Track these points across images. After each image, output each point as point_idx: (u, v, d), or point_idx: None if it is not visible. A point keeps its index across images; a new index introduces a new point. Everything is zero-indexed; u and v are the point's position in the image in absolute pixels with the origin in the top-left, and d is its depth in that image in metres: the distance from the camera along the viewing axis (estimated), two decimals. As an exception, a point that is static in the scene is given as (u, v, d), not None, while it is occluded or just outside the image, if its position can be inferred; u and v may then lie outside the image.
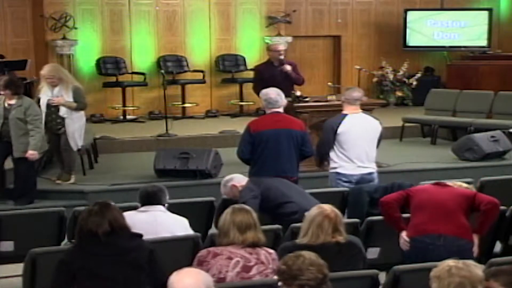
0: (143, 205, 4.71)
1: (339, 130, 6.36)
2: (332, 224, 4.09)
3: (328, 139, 6.46)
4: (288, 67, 8.52)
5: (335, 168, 6.45)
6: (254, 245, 3.95)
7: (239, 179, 5.69)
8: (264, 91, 6.52)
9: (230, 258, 3.87)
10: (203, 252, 3.95)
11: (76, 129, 7.81)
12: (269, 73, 8.51)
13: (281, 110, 6.41)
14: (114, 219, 3.71)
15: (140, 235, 3.79)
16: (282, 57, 8.62)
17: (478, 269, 3.15)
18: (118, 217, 3.76)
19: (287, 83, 8.37)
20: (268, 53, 8.94)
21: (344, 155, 6.39)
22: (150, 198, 4.70)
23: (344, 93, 6.67)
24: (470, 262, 3.21)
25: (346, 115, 6.44)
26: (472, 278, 3.09)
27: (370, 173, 6.47)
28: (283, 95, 6.47)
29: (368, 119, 6.58)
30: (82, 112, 7.91)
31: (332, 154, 6.46)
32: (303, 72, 9.25)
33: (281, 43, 8.79)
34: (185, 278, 2.96)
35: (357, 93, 6.54)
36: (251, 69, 12.69)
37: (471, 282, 3.08)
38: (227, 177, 5.76)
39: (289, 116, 6.65)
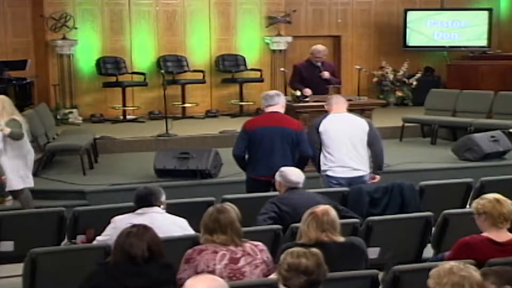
0: (139, 207, 4.67)
1: (320, 128, 6.42)
2: (316, 222, 4.06)
3: (313, 139, 6.48)
4: (326, 74, 8.69)
5: (325, 170, 6.46)
6: (232, 243, 3.94)
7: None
8: (265, 92, 6.64)
9: (216, 252, 3.89)
10: (189, 251, 3.96)
11: (10, 167, 6.81)
12: (308, 73, 8.72)
13: (279, 109, 6.45)
14: (153, 243, 3.63)
15: (171, 265, 3.71)
16: (319, 63, 8.73)
17: (477, 273, 3.16)
18: (157, 241, 3.68)
19: (324, 85, 8.65)
20: (309, 54, 8.96)
21: (330, 157, 6.42)
22: (146, 200, 4.67)
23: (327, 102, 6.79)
24: (471, 266, 3.22)
25: (328, 114, 6.54)
26: (471, 279, 3.10)
27: (360, 177, 6.40)
28: (282, 97, 6.54)
29: (353, 118, 6.58)
30: (25, 150, 6.91)
31: (321, 156, 6.47)
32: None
33: (323, 46, 8.84)
34: (198, 284, 2.91)
35: (341, 98, 6.75)
36: (251, 69, 12.74)
37: (470, 283, 3.09)
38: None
39: (287, 116, 6.67)
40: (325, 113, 6.68)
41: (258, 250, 4.00)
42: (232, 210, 4.06)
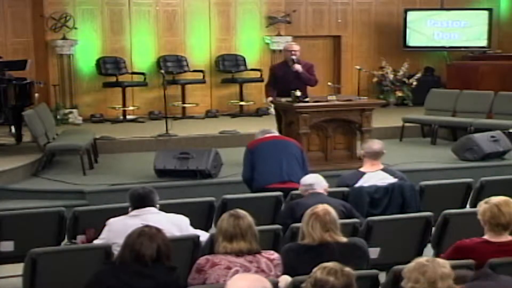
0: (134, 208, 4.64)
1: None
2: (320, 222, 4.03)
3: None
4: (298, 67, 8.60)
5: None
6: (250, 252, 3.87)
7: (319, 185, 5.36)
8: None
9: (229, 268, 3.80)
10: (201, 260, 3.89)
11: None
12: (282, 72, 8.71)
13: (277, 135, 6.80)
14: (163, 245, 3.64)
15: (175, 268, 3.71)
16: (294, 57, 8.68)
17: (441, 267, 3.21)
18: (167, 244, 3.69)
19: (298, 83, 8.53)
20: (283, 53, 9.00)
21: None
22: (141, 201, 4.64)
23: (363, 146, 6.27)
24: (439, 259, 3.29)
25: (363, 173, 6.00)
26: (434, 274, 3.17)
27: None
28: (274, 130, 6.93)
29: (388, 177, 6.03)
30: None
31: None
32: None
33: (295, 43, 8.95)
34: (239, 281, 2.93)
35: (378, 145, 6.10)
36: (251, 69, 12.74)
37: (440, 277, 3.16)
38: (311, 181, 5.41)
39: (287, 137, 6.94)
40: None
41: (273, 265, 3.90)
42: (247, 214, 4.00)
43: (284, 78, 8.60)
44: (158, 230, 3.71)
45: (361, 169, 6.08)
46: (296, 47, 8.81)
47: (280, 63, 9.07)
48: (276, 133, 6.88)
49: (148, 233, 3.65)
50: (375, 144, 6.12)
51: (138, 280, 3.54)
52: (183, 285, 3.76)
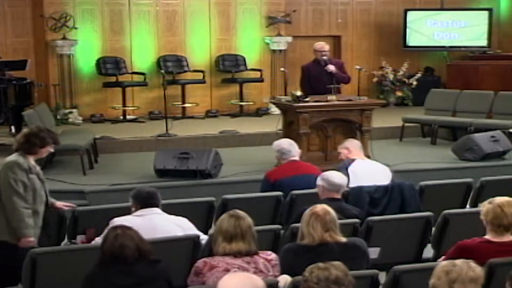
0: (141, 207, 4.65)
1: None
2: (320, 222, 4.03)
3: None
4: (331, 67, 8.67)
5: None
6: (248, 253, 3.87)
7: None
8: (276, 142, 6.48)
9: (227, 270, 3.79)
10: (199, 263, 3.89)
11: None
12: (315, 72, 8.73)
13: (297, 158, 6.35)
14: (141, 242, 3.67)
15: (159, 261, 3.73)
16: (325, 57, 8.73)
17: (471, 271, 3.18)
18: (144, 240, 3.72)
19: (332, 82, 8.62)
20: (314, 53, 9.01)
21: None
22: (149, 200, 4.66)
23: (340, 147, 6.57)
24: (472, 263, 3.24)
25: (354, 159, 6.26)
26: (463, 276, 3.13)
27: None
28: (296, 145, 6.43)
29: (377, 165, 6.39)
30: None
31: None
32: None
33: (325, 43, 8.94)
34: (230, 280, 2.94)
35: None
36: (251, 69, 12.74)
37: (463, 279, 3.12)
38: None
39: (307, 163, 6.55)
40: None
41: (271, 266, 3.91)
42: (247, 215, 3.99)
43: (318, 78, 8.66)
44: (130, 229, 3.72)
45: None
46: (326, 47, 8.86)
47: (312, 62, 8.98)
48: (296, 156, 6.36)
49: (123, 234, 3.66)
50: (352, 139, 6.80)
51: (121, 278, 3.56)
52: (168, 277, 3.76)
